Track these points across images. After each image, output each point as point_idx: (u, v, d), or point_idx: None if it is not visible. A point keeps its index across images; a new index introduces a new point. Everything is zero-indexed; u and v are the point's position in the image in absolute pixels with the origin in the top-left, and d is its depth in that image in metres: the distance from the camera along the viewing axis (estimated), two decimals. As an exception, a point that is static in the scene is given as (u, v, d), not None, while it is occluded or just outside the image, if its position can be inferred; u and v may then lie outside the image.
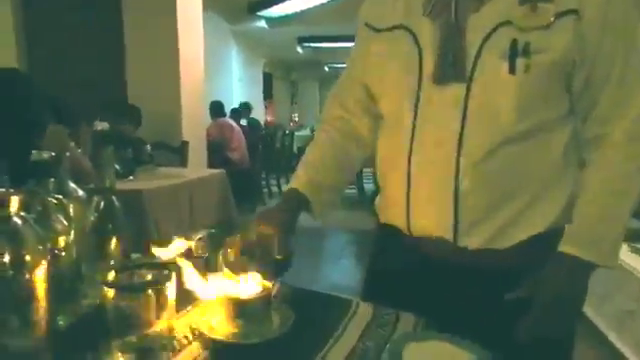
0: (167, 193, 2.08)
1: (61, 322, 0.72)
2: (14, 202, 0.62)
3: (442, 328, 0.71)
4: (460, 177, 0.77)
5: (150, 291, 0.57)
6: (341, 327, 0.75)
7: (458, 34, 0.76)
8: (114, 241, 0.85)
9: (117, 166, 2.40)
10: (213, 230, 1.10)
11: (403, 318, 0.79)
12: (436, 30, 0.79)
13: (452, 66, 0.76)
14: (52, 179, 0.72)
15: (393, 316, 0.79)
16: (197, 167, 3.59)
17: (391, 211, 0.90)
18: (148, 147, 2.83)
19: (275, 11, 6.90)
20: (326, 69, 12.69)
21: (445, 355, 0.65)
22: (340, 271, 3.72)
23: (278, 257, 0.80)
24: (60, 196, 0.69)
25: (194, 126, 3.82)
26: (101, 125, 0.65)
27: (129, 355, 0.55)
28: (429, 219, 0.82)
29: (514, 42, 0.72)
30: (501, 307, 0.76)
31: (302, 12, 6.90)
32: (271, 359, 0.65)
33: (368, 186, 6.01)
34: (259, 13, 6.98)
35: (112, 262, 0.80)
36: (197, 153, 3.80)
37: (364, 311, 0.81)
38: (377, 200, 0.99)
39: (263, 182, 6.14)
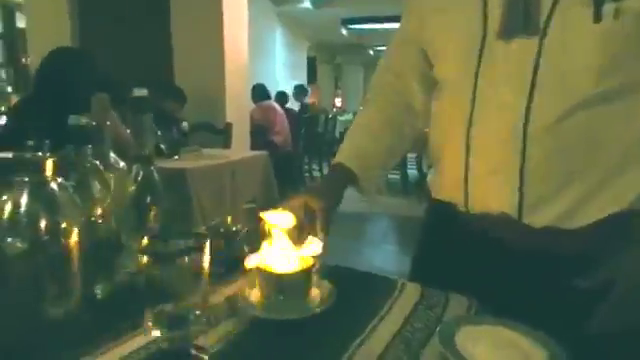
0: (210, 173, 2.09)
1: (98, 291, 0.71)
2: (49, 166, 0.60)
3: (499, 314, 0.64)
4: (527, 146, 0.67)
5: (185, 259, 0.54)
6: (386, 307, 0.70)
7: None
8: (153, 212, 0.84)
9: (162, 146, 2.45)
10: (253, 204, 1.08)
11: (454, 300, 0.72)
12: None
13: (523, 16, 0.66)
14: (90, 146, 0.71)
15: (443, 298, 0.73)
16: (240, 149, 3.61)
17: (446, 186, 0.83)
18: (185, 124, 2.85)
19: (320, -9, 6.81)
20: (371, 53, 12.43)
21: (505, 342, 0.58)
22: (382, 256, 3.65)
23: (320, 234, 0.76)
24: (97, 162, 0.67)
25: (238, 108, 3.84)
26: (139, 92, 0.64)
27: (161, 324, 0.52)
28: (490, 193, 0.73)
29: None
30: (569, 295, 0.67)
31: (347, -8, 6.77)
32: (309, 337, 0.60)
33: (412, 172, 5.87)
34: (304, -7, 6.92)
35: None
36: (240, 135, 3.82)
37: (411, 291, 0.75)
38: (429, 177, 0.92)
39: (305, 166, 6.13)
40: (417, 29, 0.84)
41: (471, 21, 0.72)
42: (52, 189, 0.61)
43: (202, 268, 0.55)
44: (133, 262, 0.79)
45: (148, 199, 0.83)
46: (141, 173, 0.82)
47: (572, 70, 0.65)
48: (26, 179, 0.59)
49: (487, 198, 0.74)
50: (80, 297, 0.63)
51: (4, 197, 0.59)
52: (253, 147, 4.13)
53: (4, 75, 7.03)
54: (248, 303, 0.67)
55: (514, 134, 0.68)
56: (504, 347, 0.57)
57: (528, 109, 0.67)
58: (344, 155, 0.88)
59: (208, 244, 0.54)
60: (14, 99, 5.64)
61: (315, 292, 0.70)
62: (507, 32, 0.68)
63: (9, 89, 6.68)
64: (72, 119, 0.69)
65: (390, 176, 6.13)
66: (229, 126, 3.52)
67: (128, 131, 2.09)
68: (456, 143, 0.76)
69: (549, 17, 0.65)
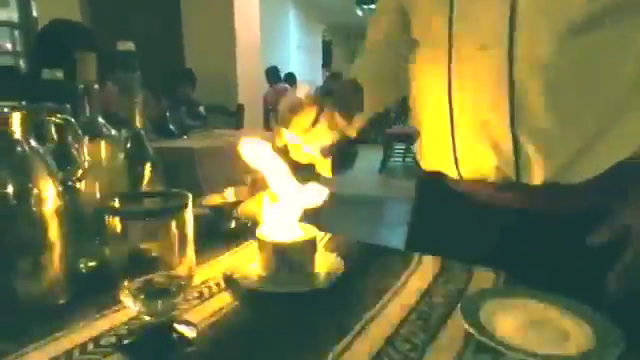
0: (218, 152, 2.03)
1: (82, 265, 0.65)
2: (16, 120, 0.53)
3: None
4: (516, 90, 0.60)
5: (164, 222, 0.46)
6: (400, 281, 0.62)
7: None
8: (145, 181, 0.77)
9: (172, 126, 2.40)
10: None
11: (478, 273, 0.64)
12: None
13: None
14: (68, 105, 0.63)
15: (465, 271, 0.64)
16: (251, 130, 3.55)
17: (434, 153, 0.77)
18: (201, 108, 2.80)
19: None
20: (360, 14, 12.17)
21: (540, 318, 0.49)
22: (399, 237, 3.57)
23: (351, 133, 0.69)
24: (71, 118, 0.59)
25: (250, 90, 3.77)
26: (124, 45, 0.57)
27: (138, 297, 0.45)
28: (481, 154, 0.66)
29: None
30: (577, 256, 0.60)
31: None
32: (312, 313, 0.53)
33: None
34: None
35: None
36: (253, 117, 3.75)
37: (429, 265, 0.67)
38: (416, 145, 0.85)
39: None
40: None
41: None
42: (20, 150, 0.54)
43: (185, 234, 0.47)
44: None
45: (139, 167, 0.76)
46: (130, 139, 0.75)
47: None
48: (-10, 137, 0.53)
49: (478, 160, 0.68)
50: (59, 273, 0.57)
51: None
52: (268, 129, 4.07)
53: (22, 64, 7.09)
54: (245, 276, 0.60)
55: (499, 77, 0.60)
56: (536, 323, 0.48)
57: (511, 47, 0.59)
58: (354, 73, 0.81)
59: (190, 205, 0.47)
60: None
61: (321, 265, 0.63)
62: None
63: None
64: (46, 73, 0.62)
65: (407, 159, 6.01)
66: (241, 108, 3.45)
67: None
68: (438, 103, 0.69)
69: None
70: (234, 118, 3.43)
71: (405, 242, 0.89)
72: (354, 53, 13.12)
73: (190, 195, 0.47)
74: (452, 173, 0.73)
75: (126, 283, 0.47)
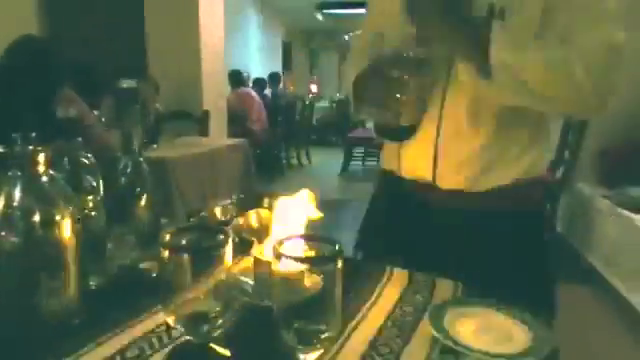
0: (190, 162, 2.07)
1: (92, 282, 0.71)
2: (42, 159, 0.60)
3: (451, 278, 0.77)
4: (442, 122, 0.86)
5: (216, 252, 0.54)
6: (376, 292, 0.72)
7: None
8: (143, 204, 0.84)
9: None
10: (242, 195, 1.09)
11: (440, 284, 0.75)
12: None
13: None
14: (80, 139, 0.70)
15: (430, 282, 0.76)
16: (218, 137, 3.58)
17: (388, 155, 0.98)
18: (158, 106, 2.79)
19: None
20: (346, 38, 12.38)
21: (490, 324, 0.61)
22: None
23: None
24: (90, 155, 0.66)
25: (215, 96, 3.79)
26: (128, 83, 0.62)
27: (184, 319, 0.53)
28: (415, 160, 0.91)
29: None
30: (482, 246, 0.87)
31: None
32: (304, 321, 0.62)
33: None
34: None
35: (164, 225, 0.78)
36: (218, 123, 3.78)
37: (399, 277, 0.78)
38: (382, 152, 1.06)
39: (283, 154, 6.12)
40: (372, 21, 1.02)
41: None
42: (44, 182, 0.61)
43: (225, 261, 0.54)
44: (124, 253, 0.80)
45: (138, 190, 0.83)
46: (130, 165, 0.82)
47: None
48: (18, 173, 0.59)
49: (413, 164, 0.91)
50: (76, 289, 0.64)
51: (-5, 192, 0.59)
52: (230, 135, 4.10)
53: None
54: (242, 290, 0.68)
55: (433, 109, 0.85)
56: (488, 328, 0.60)
57: (444, 91, 0.84)
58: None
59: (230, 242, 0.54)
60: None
61: (307, 280, 0.72)
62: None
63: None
64: (60, 111, 0.68)
65: (367, 163, 6.20)
66: (206, 114, 3.47)
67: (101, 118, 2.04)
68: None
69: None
70: (198, 124, 3.45)
71: (356, 239, 1.07)
72: (312, 54, 13.23)
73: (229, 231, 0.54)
74: (397, 172, 0.96)
75: (166, 306, 0.53)
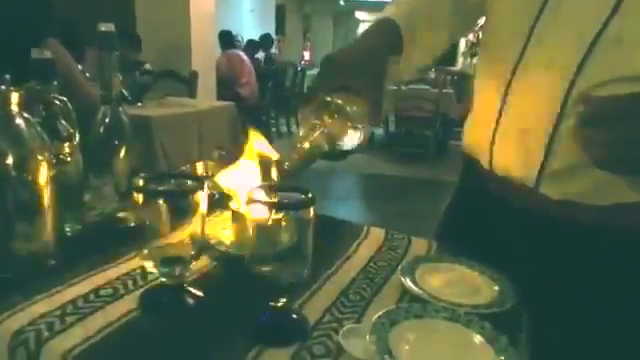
0: (176, 121, 2.05)
1: (68, 229, 0.71)
2: (15, 99, 0.59)
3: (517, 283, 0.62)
4: (564, 114, 0.61)
5: (188, 197, 0.54)
6: (352, 248, 0.74)
7: None
8: (122, 154, 0.83)
9: (125, 92, 2.36)
10: (223, 151, 1.08)
11: (415, 242, 0.77)
12: None
13: None
14: (55, 82, 0.68)
15: (405, 240, 0.77)
16: (206, 99, 3.53)
17: (475, 141, 0.78)
18: (148, 65, 2.75)
19: None
20: (341, 3, 12.12)
21: (458, 277, 0.63)
22: (346, 210, 3.75)
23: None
24: (65, 98, 0.65)
25: (204, 57, 3.72)
26: (106, 27, 0.60)
27: (160, 261, 0.53)
28: (513, 156, 0.69)
29: None
30: (588, 266, 0.66)
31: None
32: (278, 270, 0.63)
33: (378, 130, 5.94)
34: None
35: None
36: (206, 85, 3.72)
37: (376, 235, 0.80)
38: (465, 126, 0.85)
39: (272, 121, 6.07)
40: None
41: None
42: (18, 124, 0.60)
43: (199, 206, 0.55)
44: (101, 203, 0.80)
45: (116, 141, 0.82)
46: (108, 114, 0.80)
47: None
48: (-9, 112, 0.58)
49: (509, 160, 0.70)
50: (51, 234, 0.64)
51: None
52: (219, 99, 4.04)
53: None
54: (220, 241, 0.69)
55: (554, 94, 0.62)
56: (457, 281, 0.62)
57: (580, 68, 0.60)
58: (393, 11, 0.73)
59: (206, 187, 0.54)
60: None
61: (283, 233, 0.73)
62: None
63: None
64: (35, 52, 0.67)
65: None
66: (194, 74, 3.41)
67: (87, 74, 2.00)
68: (494, 95, 0.71)
69: None
70: (186, 85, 3.39)
71: (437, 227, 0.91)
72: (306, 19, 12.95)
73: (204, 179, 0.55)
74: (485, 164, 0.75)
75: (143, 249, 0.54)
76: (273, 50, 7.30)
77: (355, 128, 0.60)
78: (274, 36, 7.95)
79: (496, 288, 0.61)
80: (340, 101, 0.59)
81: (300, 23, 12.67)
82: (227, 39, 5.22)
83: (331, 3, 12.22)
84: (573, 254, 0.67)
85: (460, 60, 7.03)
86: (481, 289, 0.61)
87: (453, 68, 5.90)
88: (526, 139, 0.67)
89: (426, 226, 0.98)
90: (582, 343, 0.64)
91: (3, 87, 0.59)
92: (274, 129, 6.14)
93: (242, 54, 5.37)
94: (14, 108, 0.59)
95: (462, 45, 7.82)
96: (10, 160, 0.58)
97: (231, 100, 3.65)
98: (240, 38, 5.86)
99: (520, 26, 0.67)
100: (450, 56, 5.85)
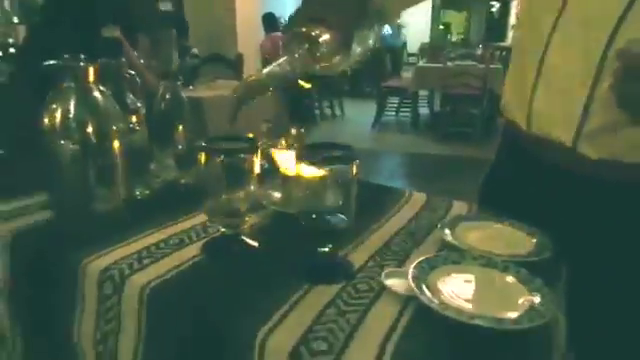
0: (224, 102, 2.13)
1: (137, 193, 0.79)
2: (92, 73, 0.67)
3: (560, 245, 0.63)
4: (605, 67, 0.61)
5: (243, 156, 0.60)
6: (393, 210, 0.78)
7: None
8: (180, 129, 0.91)
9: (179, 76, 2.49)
10: (270, 124, 1.14)
11: (457, 205, 0.80)
12: None
13: None
14: (123, 59, 0.76)
15: (446, 202, 0.81)
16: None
17: (513, 102, 0.79)
18: (195, 50, 2.86)
19: None
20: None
21: (500, 233, 0.66)
22: (391, 189, 3.75)
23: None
24: (133, 72, 0.72)
25: (249, 39, 3.81)
26: (164, 5, 0.66)
27: (217, 216, 0.60)
28: (551, 115, 0.70)
29: None
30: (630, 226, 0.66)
31: None
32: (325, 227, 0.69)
33: (423, 111, 5.85)
34: None
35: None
36: (251, 67, 3.81)
37: (417, 198, 0.83)
38: (504, 89, 0.85)
39: (315, 103, 6.11)
40: None
41: None
42: (95, 96, 0.68)
43: (254, 166, 0.61)
44: (165, 172, 0.88)
45: (175, 115, 0.90)
46: (169, 90, 0.88)
47: None
48: (72, 84, 0.66)
49: (547, 120, 0.70)
50: (124, 196, 0.72)
51: (53, 105, 0.66)
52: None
53: (8, 6, 6.93)
54: (272, 200, 0.75)
55: (592, 53, 0.62)
56: (496, 237, 0.65)
57: (617, 26, 0.60)
58: None
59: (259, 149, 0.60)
60: (20, 29, 5.58)
61: (327, 193, 0.78)
62: None
63: (15, 19, 6.61)
64: (106, 31, 0.74)
65: (401, 114, 6.13)
66: (240, 57, 3.51)
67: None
68: (532, 54, 0.72)
69: None
70: (233, 68, 3.50)
71: (479, 191, 0.91)
72: None
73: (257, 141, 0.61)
74: (523, 124, 0.75)
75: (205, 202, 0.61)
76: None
77: (326, 57, 0.65)
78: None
79: (534, 241, 0.63)
80: (312, 32, 0.63)
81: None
82: (270, 22, 5.27)
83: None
84: (612, 212, 0.67)
85: (510, 35, 6.74)
86: (519, 243, 0.64)
87: (501, 43, 5.67)
88: (564, 98, 0.67)
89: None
90: (618, 297, 0.66)
91: (82, 63, 0.67)
92: (317, 111, 6.18)
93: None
94: (91, 81, 0.67)
95: (512, 20, 7.50)
96: (90, 129, 0.67)
97: (275, 82, 3.72)
98: (283, 20, 5.90)
99: None
100: (498, 30, 5.62)
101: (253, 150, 0.60)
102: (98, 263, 0.57)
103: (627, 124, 0.60)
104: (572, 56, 0.66)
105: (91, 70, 0.67)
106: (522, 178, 0.78)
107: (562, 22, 0.67)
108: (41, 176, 0.73)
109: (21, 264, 0.65)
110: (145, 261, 0.58)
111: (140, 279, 0.54)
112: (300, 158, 0.56)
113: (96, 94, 0.68)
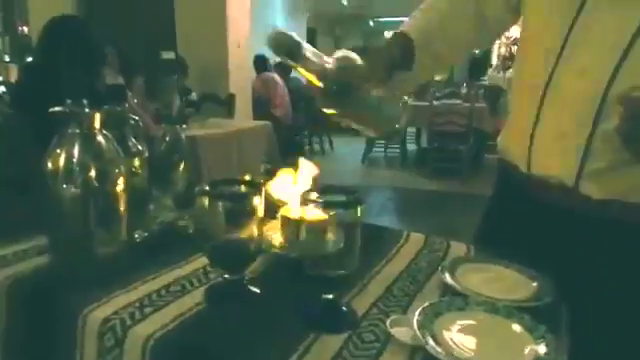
0: (218, 141, 2.16)
1: (137, 236, 0.79)
2: (97, 120, 0.68)
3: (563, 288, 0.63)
4: (602, 112, 0.64)
5: (249, 199, 0.61)
6: (393, 252, 0.78)
7: None
8: (180, 169, 0.91)
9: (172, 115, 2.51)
10: (269, 165, 1.15)
11: (455, 246, 0.81)
12: None
13: None
14: (127, 105, 0.77)
15: (445, 244, 0.81)
16: (244, 119, 3.67)
17: (512, 146, 0.81)
18: (194, 94, 2.92)
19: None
20: (371, 24, 12.29)
21: (500, 276, 0.67)
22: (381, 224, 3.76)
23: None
24: (137, 117, 0.74)
25: (241, 79, 3.88)
26: (167, 55, 0.68)
27: (222, 259, 0.60)
28: (552, 158, 0.71)
29: None
30: (631, 265, 0.68)
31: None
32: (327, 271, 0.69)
33: (410, 146, 5.95)
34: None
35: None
36: (243, 106, 3.87)
37: (416, 239, 0.84)
38: (501, 133, 0.88)
39: (305, 140, 6.18)
40: None
41: None
42: (99, 141, 0.69)
43: (256, 209, 0.61)
44: (164, 214, 0.88)
45: (176, 157, 0.91)
46: (169, 133, 0.89)
47: None
48: (77, 131, 0.67)
49: (548, 161, 0.72)
50: (125, 239, 0.71)
51: (57, 150, 0.67)
52: (255, 119, 4.18)
53: (0, 45, 7.00)
54: (272, 243, 0.75)
55: (590, 100, 0.65)
56: (496, 280, 0.66)
57: (615, 73, 0.63)
58: (407, 26, 0.80)
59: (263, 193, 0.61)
60: (11, 68, 5.61)
61: (330, 237, 0.79)
62: None
63: (6, 58, 6.66)
64: (109, 79, 0.76)
65: (389, 150, 6.22)
66: (232, 97, 3.56)
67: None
68: (530, 102, 0.73)
69: None
70: (225, 107, 3.54)
71: (475, 232, 0.92)
72: (337, 42, 13.18)
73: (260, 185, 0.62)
74: (523, 167, 0.76)
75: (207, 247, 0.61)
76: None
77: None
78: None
79: (534, 284, 0.64)
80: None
81: (331, 45, 12.89)
82: (261, 62, 5.39)
83: (361, 24, 12.40)
84: (613, 252, 0.68)
85: (490, 73, 6.98)
86: (519, 286, 0.64)
87: (483, 81, 5.86)
88: (564, 141, 0.69)
89: (461, 240, 0.98)
90: (621, 340, 0.66)
91: (87, 110, 0.68)
92: (307, 147, 6.25)
93: (276, 76, 5.52)
94: (96, 127, 0.68)
95: (494, 59, 7.78)
96: (93, 173, 0.67)
97: (266, 120, 3.78)
98: (272, 61, 6.05)
99: (552, 41, 0.70)
100: (480, 70, 5.82)
101: (257, 194, 0.61)
102: (98, 313, 0.56)
103: (630, 163, 0.62)
104: (570, 105, 0.68)
105: (96, 117, 0.68)
106: (521, 218, 0.78)
107: (557, 74, 0.70)
108: (39, 219, 0.73)
109: (18, 312, 0.64)
110: (147, 310, 0.57)
111: (142, 330, 0.53)
112: (310, 193, 0.57)
113: (100, 139, 0.69)
